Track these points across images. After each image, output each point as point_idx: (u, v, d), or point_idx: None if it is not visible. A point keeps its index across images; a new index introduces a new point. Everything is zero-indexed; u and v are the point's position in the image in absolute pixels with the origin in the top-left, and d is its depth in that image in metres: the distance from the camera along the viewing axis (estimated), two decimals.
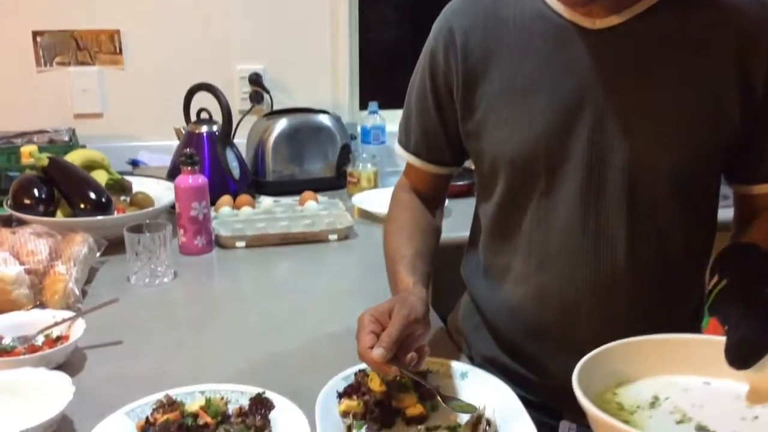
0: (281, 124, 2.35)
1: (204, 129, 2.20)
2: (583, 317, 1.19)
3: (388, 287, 1.30)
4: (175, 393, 1.17)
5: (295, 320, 1.52)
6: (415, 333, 1.08)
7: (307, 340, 1.43)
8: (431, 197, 1.42)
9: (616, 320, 1.14)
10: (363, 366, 1.24)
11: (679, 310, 1.23)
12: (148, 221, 1.71)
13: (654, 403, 0.98)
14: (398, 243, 1.30)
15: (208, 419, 1.11)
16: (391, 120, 2.54)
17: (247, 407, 1.16)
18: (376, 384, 1.19)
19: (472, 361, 1.35)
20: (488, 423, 1.11)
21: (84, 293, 1.60)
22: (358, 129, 2.59)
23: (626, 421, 0.91)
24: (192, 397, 1.18)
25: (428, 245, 1.31)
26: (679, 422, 0.93)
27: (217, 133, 2.20)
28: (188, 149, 1.82)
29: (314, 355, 1.37)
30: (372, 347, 1.03)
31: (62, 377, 1.15)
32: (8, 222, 1.83)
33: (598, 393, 0.99)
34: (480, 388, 1.21)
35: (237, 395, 1.19)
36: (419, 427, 1.10)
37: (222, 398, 1.16)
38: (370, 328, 1.06)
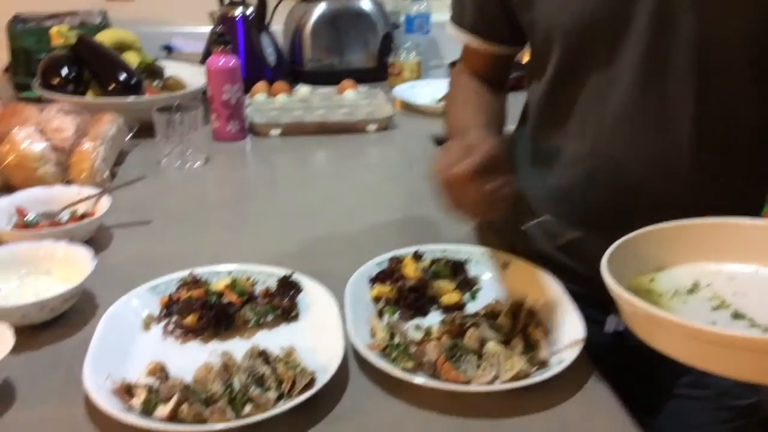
0: (320, 8, 2.21)
1: (238, 12, 2.08)
2: (638, 203, 1.09)
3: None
4: (201, 272, 1.12)
5: (329, 208, 1.45)
6: (497, 171, 0.96)
7: (340, 226, 1.36)
8: (493, 82, 1.30)
9: (674, 207, 1.03)
10: (397, 252, 1.17)
11: (743, 202, 1.12)
12: (178, 103, 1.63)
13: (693, 289, 0.89)
14: (464, 116, 1.20)
15: (233, 298, 1.05)
16: (438, 9, 2.38)
17: (274, 288, 1.10)
18: (410, 270, 1.12)
19: (515, 252, 1.26)
20: (530, 313, 1.04)
21: (113, 175, 1.55)
22: (402, 18, 2.44)
23: (656, 304, 0.83)
24: (218, 276, 1.12)
25: (498, 121, 1.22)
26: (716, 308, 0.85)
27: (251, 18, 2.09)
28: (220, 27, 1.71)
29: (347, 241, 1.31)
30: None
31: (84, 251, 1.11)
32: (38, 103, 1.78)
33: (633, 278, 0.91)
34: (522, 279, 1.13)
35: (264, 276, 1.13)
36: (456, 314, 1.03)
37: (248, 279, 1.11)
38: (463, 148, 0.95)
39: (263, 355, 0.94)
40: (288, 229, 1.35)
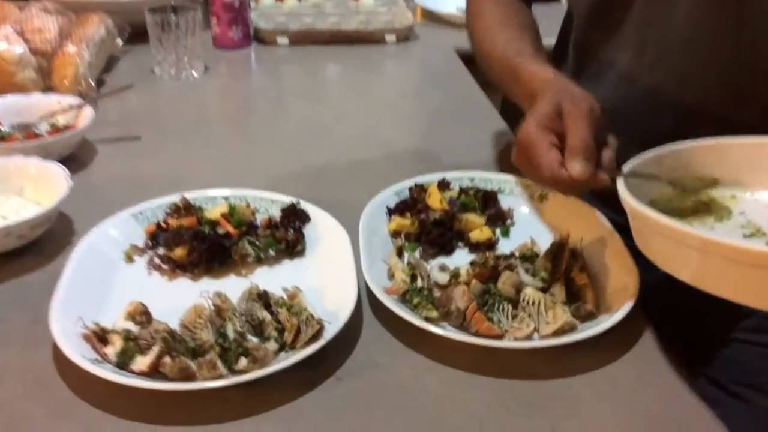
0: None
1: None
2: (704, 127, 0.92)
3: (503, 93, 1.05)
4: (194, 196, 0.98)
5: (342, 127, 1.29)
6: (602, 131, 0.81)
7: (354, 149, 1.21)
8: None
9: (744, 132, 0.87)
10: (420, 179, 1.02)
11: None
12: (174, 2, 1.45)
13: (723, 216, 0.78)
14: (507, 36, 1.02)
15: (230, 229, 0.91)
16: None
17: (278, 218, 0.96)
18: (435, 201, 0.97)
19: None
20: (573, 254, 0.89)
21: (100, 82, 1.40)
22: None
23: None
24: (213, 202, 0.98)
25: (539, 41, 1.03)
26: (749, 236, 0.74)
27: None
28: None
29: (362, 165, 1.15)
30: (561, 164, 0.76)
31: (58, 169, 0.96)
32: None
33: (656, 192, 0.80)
34: (563, 212, 0.98)
35: (267, 204, 0.98)
36: (487, 254, 0.88)
37: (248, 206, 0.96)
38: (547, 141, 0.78)
39: (263, 298, 0.81)
40: (295, 150, 1.20)
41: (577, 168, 0.75)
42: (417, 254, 0.92)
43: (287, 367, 0.71)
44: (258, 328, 0.78)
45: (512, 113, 1.29)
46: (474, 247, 0.94)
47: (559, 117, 0.80)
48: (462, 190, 1.00)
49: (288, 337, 0.75)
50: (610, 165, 0.80)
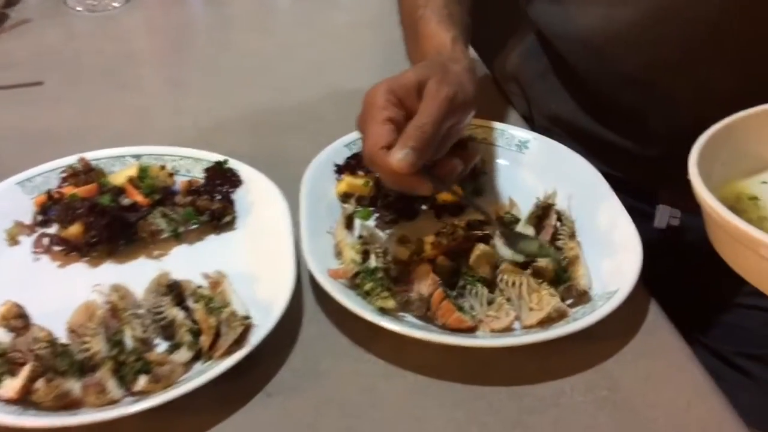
0: None
1: None
2: (719, 52, 0.75)
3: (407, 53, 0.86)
4: (95, 157, 0.80)
5: (288, 64, 1.09)
6: (458, 124, 0.67)
7: (300, 89, 1.02)
8: None
9: None
10: None
11: None
12: None
13: None
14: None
15: (138, 197, 0.73)
16: None
17: (201, 181, 0.78)
18: None
19: (533, 124, 0.94)
20: (559, 217, 0.73)
21: (2, 17, 1.18)
22: None
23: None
24: (121, 163, 0.80)
25: (459, 3, 0.84)
26: None
27: None
28: None
29: (310, 111, 0.97)
30: (389, 146, 0.61)
31: None
32: None
33: (726, 180, 0.60)
34: (546, 164, 0.82)
35: (188, 164, 0.81)
36: (456, 220, 0.72)
37: (163, 167, 0.78)
38: (386, 114, 0.62)
39: (174, 289, 0.64)
40: (232, 95, 1.01)
41: (396, 156, 0.59)
42: (372, 223, 0.76)
43: (200, 386, 0.55)
44: (168, 331, 0.62)
45: (489, 41, 1.11)
46: (439, 210, 0.78)
47: (417, 94, 0.64)
48: None
49: (204, 342, 0.59)
50: (448, 176, 0.66)
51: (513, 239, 0.69)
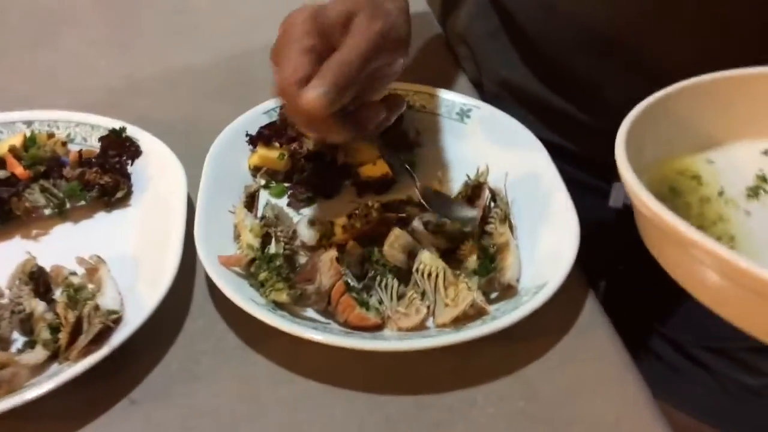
0: None
1: None
2: (677, 19, 0.66)
3: None
4: None
5: (218, 22, 0.98)
6: (388, 68, 0.59)
7: (228, 52, 0.92)
8: None
9: (742, 30, 0.62)
10: None
11: None
12: None
13: (757, 189, 0.51)
14: None
15: (18, 170, 0.65)
16: None
17: (97, 151, 0.70)
18: None
19: (481, 89, 0.85)
20: (493, 196, 0.65)
21: None
22: None
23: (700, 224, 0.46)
24: (11, 130, 0.72)
25: None
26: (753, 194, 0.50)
27: None
28: None
29: (235, 75, 0.87)
30: (306, 80, 0.52)
31: None
32: None
33: (666, 158, 0.52)
34: (488, 134, 0.74)
35: (84, 131, 0.72)
36: (370, 203, 0.63)
37: (52, 135, 0.70)
38: (307, 42, 0.54)
39: (38, 277, 0.56)
40: (150, 54, 0.91)
41: (312, 93, 0.51)
42: (285, 199, 0.68)
43: (50, 392, 0.48)
44: (27, 325, 0.54)
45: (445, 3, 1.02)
46: (364, 187, 0.69)
47: (344, 28, 0.55)
48: None
49: (62, 340, 0.52)
50: (369, 122, 0.58)
51: (442, 205, 0.61)
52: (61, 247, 0.62)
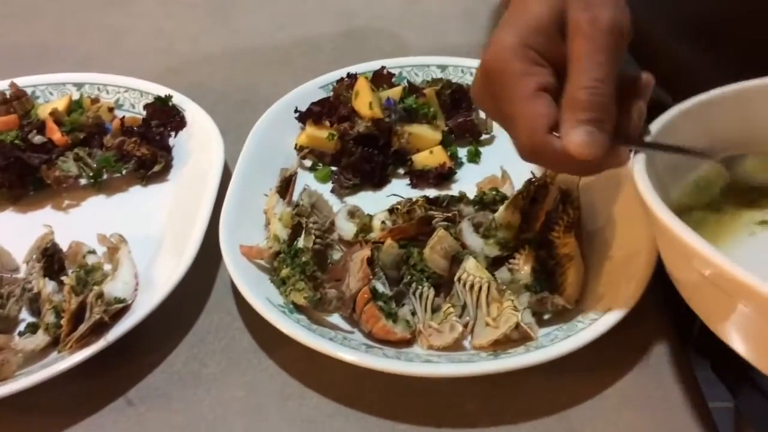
0: None
1: None
2: None
3: None
4: (32, 83, 0.69)
5: None
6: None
7: (300, 19, 0.86)
8: None
9: None
10: (356, 68, 0.69)
11: None
12: None
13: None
14: None
15: (57, 135, 0.62)
16: None
17: (141, 120, 0.66)
18: (363, 104, 0.63)
19: None
20: (563, 197, 0.56)
21: None
22: None
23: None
24: (60, 92, 0.69)
25: None
26: None
27: None
28: None
29: (303, 44, 0.81)
30: (552, 126, 0.42)
31: None
32: None
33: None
34: None
35: (133, 96, 0.69)
36: (414, 198, 0.56)
37: (98, 100, 0.67)
38: (533, 82, 0.42)
39: (51, 255, 0.53)
40: (220, 20, 0.87)
41: (577, 138, 0.40)
42: (330, 184, 0.62)
43: (42, 382, 0.44)
44: (35, 305, 0.51)
45: None
46: (420, 177, 0.62)
47: (559, 33, 0.43)
48: (411, 86, 0.66)
49: (64, 327, 0.48)
50: (635, 126, 0.43)
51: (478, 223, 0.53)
52: (90, 220, 0.59)
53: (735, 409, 0.62)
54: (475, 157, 0.64)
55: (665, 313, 0.51)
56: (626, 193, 0.56)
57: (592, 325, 0.47)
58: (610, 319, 0.47)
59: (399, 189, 0.61)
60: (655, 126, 0.44)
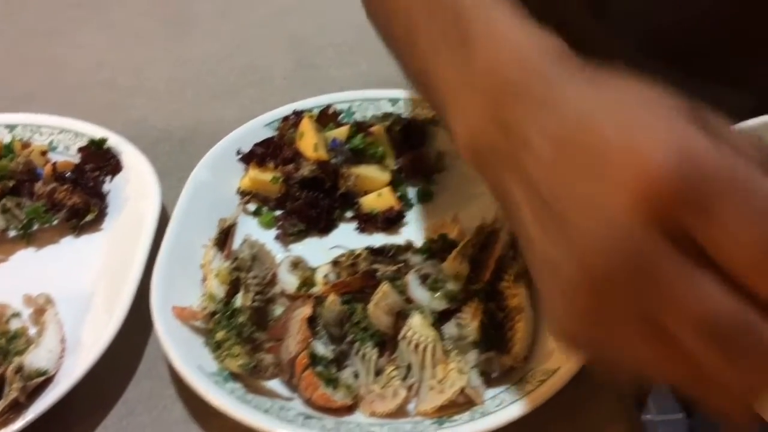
0: None
1: None
2: None
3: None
4: None
5: (245, 13, 0.89)
6: None
7: (252, 45, 0.83)
8: None
9: None
10: (303, 104, 0.66)
11: None
12: None
13: None
14: None
15: None
16: None
17: (75, 163, 0.63)
18: (307, 144, 0.61)
19: None
20: (514, 244, 0.54)
21: None
22: None
23: None
24: None
25: None
26: None
27: None
28: None
29: (253, 73, 0.78)
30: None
31: None
32: None
33: None
34: None
35: (67, 138, 0.66)
36: (357, 251, 0.53)
37: (29, 145, 0.64)
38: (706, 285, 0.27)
39: None
40: (165, 47, 0.83)
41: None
42: (273, 231, 0.59)
43: None
44: None
45: None
46: (366, 221, 0.59)
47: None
48: (359, 125, 0.64)
49: None
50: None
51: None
52: (18, 276, 0.56)
53: None
54: (426, 197, 0.61)
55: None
56: None
57: (540, 387, 0.45)
58: (557, 380, 0.45)
59: (347, 233, 0.59)
60: None
